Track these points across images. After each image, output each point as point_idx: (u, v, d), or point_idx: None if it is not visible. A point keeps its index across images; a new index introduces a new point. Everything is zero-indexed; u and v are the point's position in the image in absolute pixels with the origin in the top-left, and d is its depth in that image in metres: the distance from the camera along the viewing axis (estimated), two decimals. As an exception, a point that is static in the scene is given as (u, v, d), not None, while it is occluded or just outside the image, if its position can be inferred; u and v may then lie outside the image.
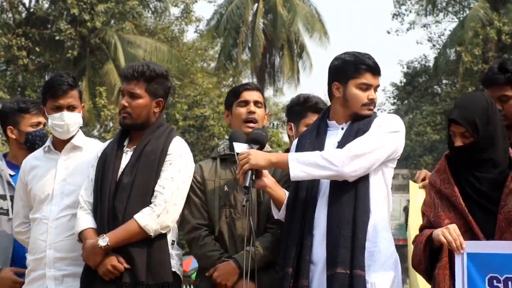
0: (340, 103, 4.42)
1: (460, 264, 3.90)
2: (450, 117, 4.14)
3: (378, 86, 4.43)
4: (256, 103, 4.78)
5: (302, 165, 4.19)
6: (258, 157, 4.24)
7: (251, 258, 4.21)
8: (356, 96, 4.36)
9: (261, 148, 4.40)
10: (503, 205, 4.03)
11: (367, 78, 4.36)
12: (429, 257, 4.04)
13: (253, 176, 4.24)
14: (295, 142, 4.60)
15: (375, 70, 4.38)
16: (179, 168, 4.54)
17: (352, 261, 4.10)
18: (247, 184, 4.19)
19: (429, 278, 4.11)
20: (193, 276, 15.28)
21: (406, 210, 44.27)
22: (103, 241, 4.40)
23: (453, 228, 3.96)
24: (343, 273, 4.08)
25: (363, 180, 4.24)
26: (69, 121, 4.81)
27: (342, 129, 4.39)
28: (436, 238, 3.97)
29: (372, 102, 4.38)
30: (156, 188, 4.48)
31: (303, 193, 4.31)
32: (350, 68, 4.38)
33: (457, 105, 4.21)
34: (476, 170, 4.11)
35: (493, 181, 4.10)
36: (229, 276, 4.53)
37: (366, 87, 4.36)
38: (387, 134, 4.30)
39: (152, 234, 4.42)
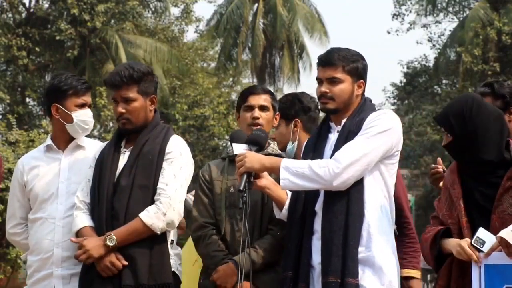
0: None
1: (477, 275, 3.98)
2: (433, 116, 4.26)
3: (330, 78, 4.25)
4: (261, 107, 4.78)
5: (291, 175, 4.12)
6: (253, 160, 4.20)
7: (249, 260, 4.20)
8: (315, 91, 4.37)
9: (259, 149, 4.38)
10: (497, 205, 4.05)
11: (318, 73, 4.31)
12: (436, 257, 4.17)
13: (250, 178, 4.21)
14: (305, 143, 4.55)
15: (322, 63, 4.29)
16: (180, 166, 4.54)
17: (343, 270, 4.05)
18: (241, 188, 4.16)
19: (436, 270, 4.26)
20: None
21: (406, 210, 44.30)
22: (111, 240, 4.40)
23: (465, 247, 4.00)
24: (334, 282, 4.04)
25: (357, 184, 4.14)
26: (91, 118, 4.86)
27: (338, 131, 4.30)
28: (450, 251, 4.08)
29: (321, 95, 4.27)
30: (159, 185, 4.48)
31: (303, 195, 4.28)
32: None
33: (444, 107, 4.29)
34: (478, 174, 4.14)
35: (491, 184, 4.10)
36: (228, 278, 4.53)
37: (318, 81, 4.31)
38: (376, 136, 4.15)
39: (158, 232, 4.43)
